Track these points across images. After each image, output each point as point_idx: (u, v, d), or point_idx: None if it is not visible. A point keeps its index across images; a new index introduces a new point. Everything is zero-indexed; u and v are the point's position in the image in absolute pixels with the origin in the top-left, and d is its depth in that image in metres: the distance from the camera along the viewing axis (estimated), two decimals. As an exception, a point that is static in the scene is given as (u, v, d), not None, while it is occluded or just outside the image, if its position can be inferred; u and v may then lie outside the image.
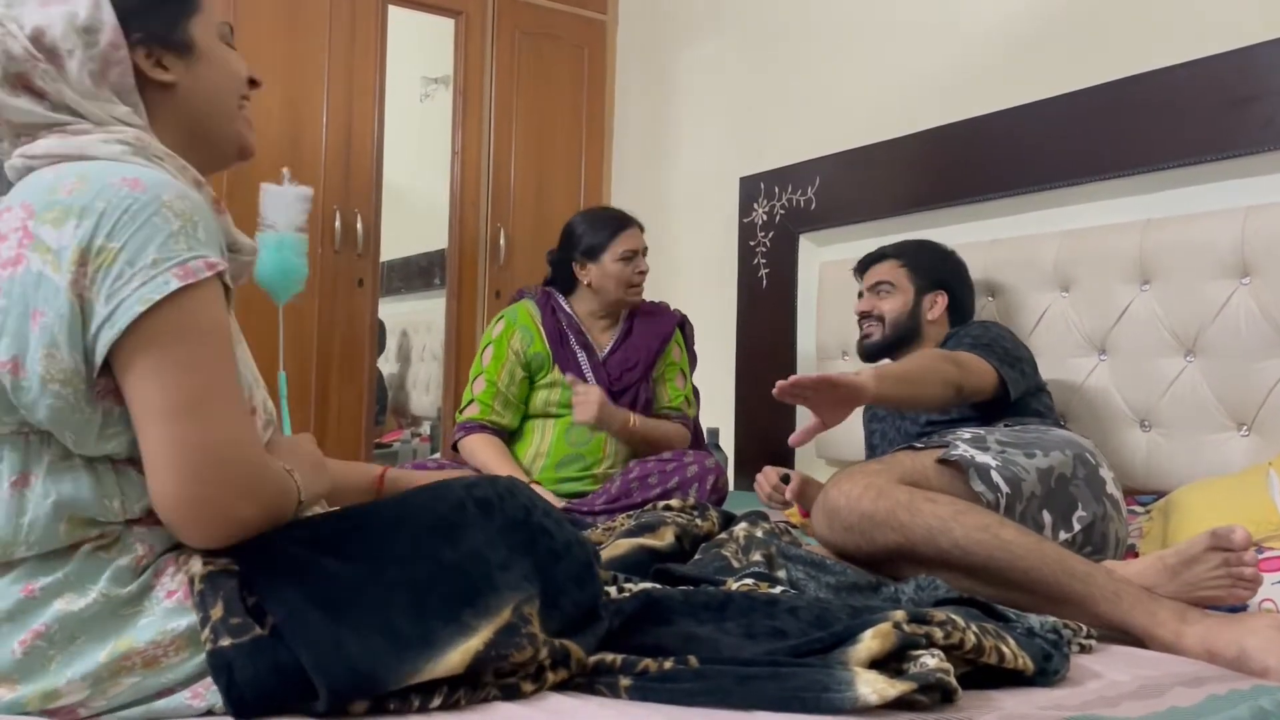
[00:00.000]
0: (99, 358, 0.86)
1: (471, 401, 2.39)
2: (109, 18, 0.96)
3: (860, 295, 2.21)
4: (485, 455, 2.31)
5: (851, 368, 2.71)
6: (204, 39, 1.04)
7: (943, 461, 1.55)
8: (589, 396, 2.23)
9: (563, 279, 2.50)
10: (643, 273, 2.45)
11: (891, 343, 2.12)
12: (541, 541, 1.02)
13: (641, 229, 2.49)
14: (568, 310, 2.47)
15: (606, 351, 2.45)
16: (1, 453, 0.90)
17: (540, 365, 2.40)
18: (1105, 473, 1.66)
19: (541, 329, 2.43)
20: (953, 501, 1.41)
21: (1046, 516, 1.54)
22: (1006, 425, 1.75)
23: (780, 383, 1.52)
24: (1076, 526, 1.56)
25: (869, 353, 2.18)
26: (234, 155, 1.11)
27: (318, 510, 1.11)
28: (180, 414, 0.86)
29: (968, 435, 1.63)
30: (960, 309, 2.13)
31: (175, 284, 0.86)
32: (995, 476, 1.51)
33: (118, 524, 0.91)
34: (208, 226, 0.92)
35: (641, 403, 2.42)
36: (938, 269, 2.15)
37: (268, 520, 0.93)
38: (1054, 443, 1.64)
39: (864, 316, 2.17)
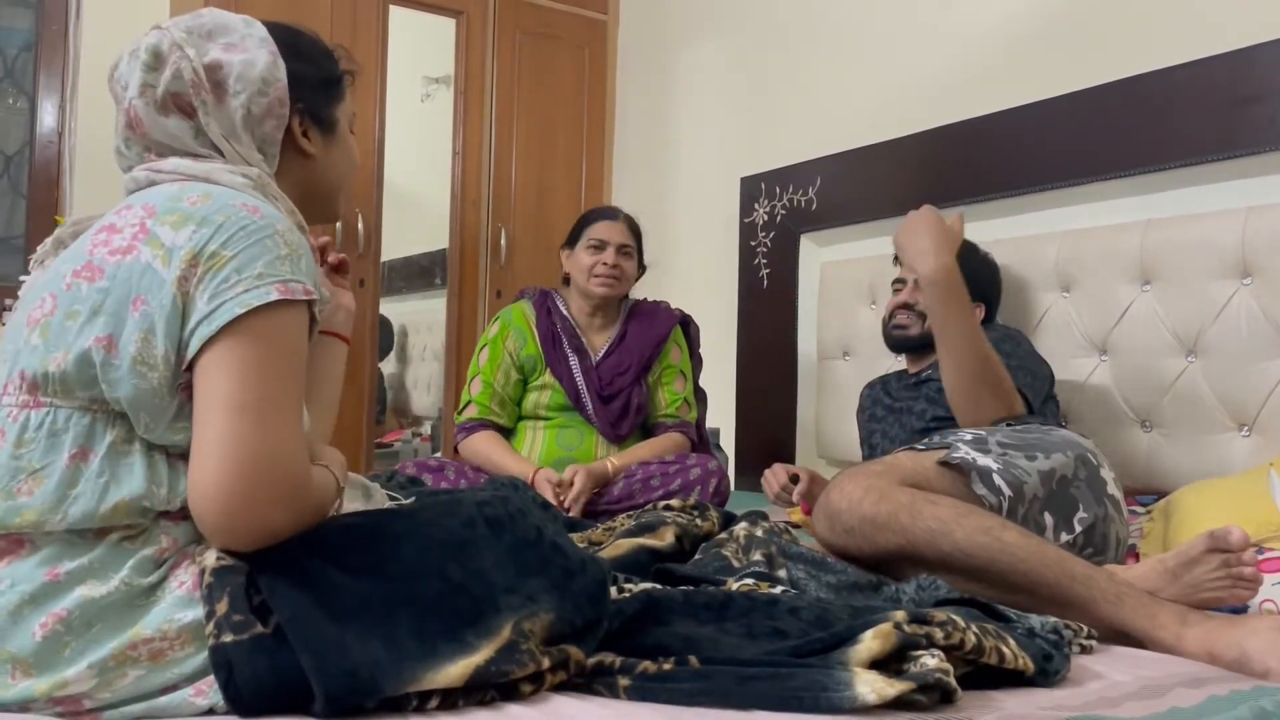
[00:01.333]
0: (191, 351, 0.91)
1: (469, 403, 2.39)
2: (283, 77, 1.07)
3: (898, 282, 2.17)
4: (489, 450, 2.31)
5: (852, 368, 2.72)
6: (342, 123, 1.18)
7: (944, 464, 1.54)
8: (569, 495, 2.16)
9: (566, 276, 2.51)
10: (609, 265, 2.37)
11: (926, 341, 2.10)
12: (555, 561, 1.03)
13: (631, 227, 2.45)
14: (564, 311, 2.45)
15: (600, 355, 2.41)
16: (68, 424, 0.92)
17: (533, 367, 2.39)
18: (1106, 473, 1.65)
19: (535, 330, 2.41)
20: (954, 504, 1.40)
21: (1048, 518, 1.54)
22: (1008, 425, 1.75)
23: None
24: (1078, 528, 1.55)
25: (898, 344, 2.15)
26: (327, 220, 1.22)
27: (356, 502, 1.15)
28: (242, 410, 0.89)
29: (968, 437, 1.63)
30: (988, 319, 2.13)
31: (275, 295, 0.92)
32: (997, 480, 1.51)
33: (150, 517, 0.93)
34: (309, 262, 0.99)
35: (634, 408, 2.38)
36: (985, 283, 2.13)
37: (296, 530, 0.94)
38: (1055, 444, 1.63)
39: (902, 308, 2.13)
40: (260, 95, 1.05)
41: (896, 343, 2.16)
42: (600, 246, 2.39)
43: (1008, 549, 1.33)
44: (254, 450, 0.88)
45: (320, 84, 1.13)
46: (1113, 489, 1.64)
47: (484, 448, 2.33)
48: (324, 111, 1.14)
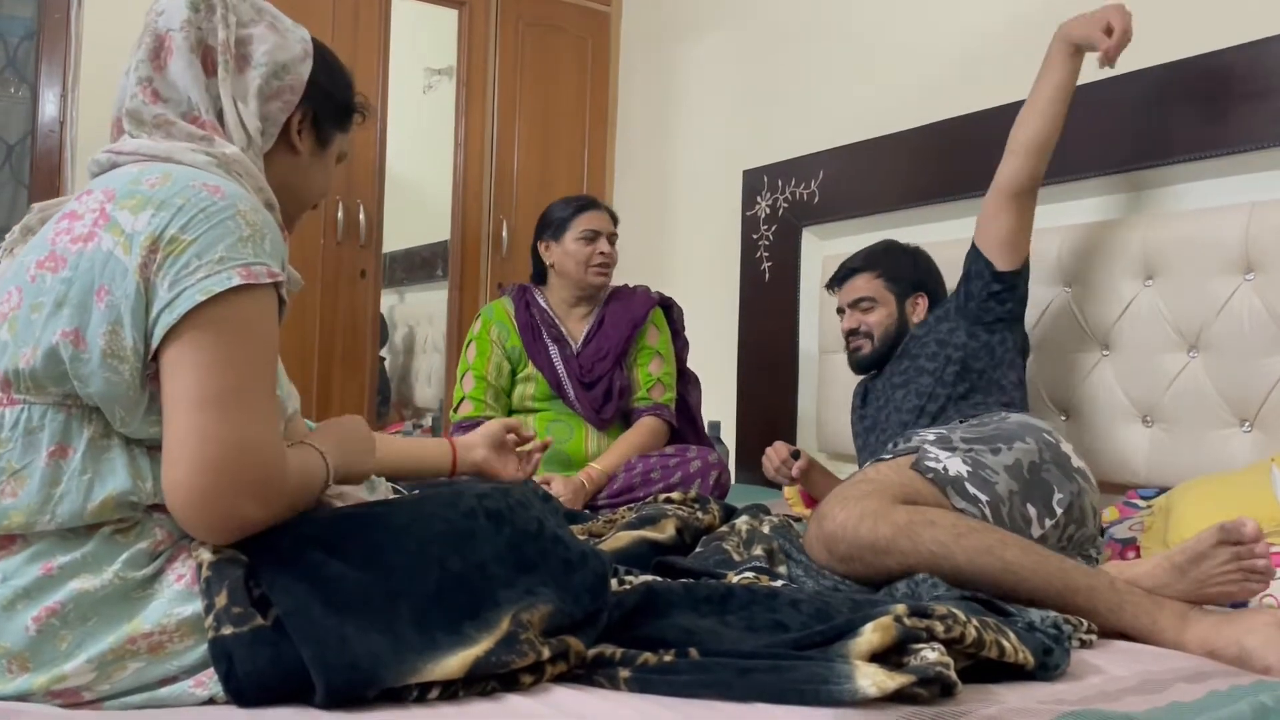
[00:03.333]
0: (155, 341, 0.90)
1: (464, 399, 2.39)
2: (305, 73, 1.10)
3: (840, 311, 2.19)
4: None
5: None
6: (333, 148, 1.19)
7: (917, 470, 1.53)
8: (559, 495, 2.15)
9: (538, 269, 2.53)
10: (605, 254, 2.44)
11: (884, 354, 2.10)
12: (555, 552, 1.03)
13: (613, 217, 2.50)
14: (542, 303, 2.47)
15: (580, 343, 2.44)
16: (44, 421, 0.91)
17: (518, 358, 2.42)
18: (1066, 447, 1.67)
19: (515, 323, 2.44)
20: (953, 524, 1.38)
21: (1030, 510, 1.54)
22: (962, 421, 1.76)
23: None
24: (1058, 511, 1.55)
25: (861, 366, 2.16)
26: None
27: (360, 492, 1.16)
28: (209, 405, 0.88)
29: (932, 437, 1.62)
30: (938, 304, 2.13)
31: (237, 280, 0.90)
32: (971, 488, 1.50)
33: (140, 510, 0.93)
34: (274, 241, 0.96)
35: (616, 392, 2.39)
36: (911, 272, 2.14)
37: (277, 519, 0.94)
38: (1015, 432, 1.63)
39: (851, 333, 2.15)
40: (275, 78, 1.08)
41: (859, 364, 2.17)
42: (593, 237, 2.43)
43: (1010, 568, 1.32)
44: (222, 444, 0.87)
45: (335, 104, 1.16)
46: (1076, 461, 1.66)
47: None
48: (325, 125, 1.16)
